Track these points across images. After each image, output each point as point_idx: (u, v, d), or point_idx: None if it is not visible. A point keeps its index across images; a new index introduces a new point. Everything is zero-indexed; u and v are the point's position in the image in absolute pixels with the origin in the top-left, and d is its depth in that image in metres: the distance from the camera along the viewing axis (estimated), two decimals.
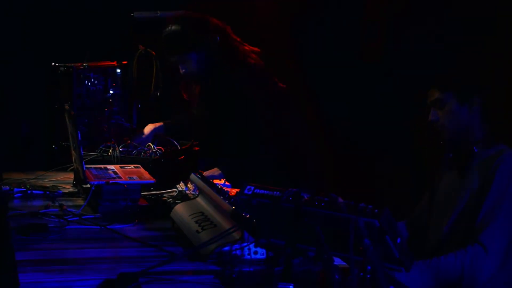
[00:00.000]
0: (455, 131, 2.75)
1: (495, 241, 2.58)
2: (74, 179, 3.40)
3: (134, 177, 3.16)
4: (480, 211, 2.62)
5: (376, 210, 1.93)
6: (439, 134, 2.79)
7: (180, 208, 2.86)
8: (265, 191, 2.19)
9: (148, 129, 3.88)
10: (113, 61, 4.17)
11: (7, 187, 3.22)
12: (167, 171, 3.47)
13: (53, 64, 3.87)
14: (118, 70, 4.15)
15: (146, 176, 3.20)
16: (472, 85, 2.75)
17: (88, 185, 3.05)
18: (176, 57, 3.63)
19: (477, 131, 2.75)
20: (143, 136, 3.85)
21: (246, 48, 3.66)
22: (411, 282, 2.50)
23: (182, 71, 3.65)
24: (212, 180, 2.97)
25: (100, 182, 3.04)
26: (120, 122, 4.07)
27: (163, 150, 3.69)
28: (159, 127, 3.91)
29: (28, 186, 3.26)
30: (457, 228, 2.71)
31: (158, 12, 4.14)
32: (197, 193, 2.95)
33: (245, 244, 2.39)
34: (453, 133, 2.76)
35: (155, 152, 3.68)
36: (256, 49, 3.68)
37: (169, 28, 3.57)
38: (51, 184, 3.40)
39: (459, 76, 2.75)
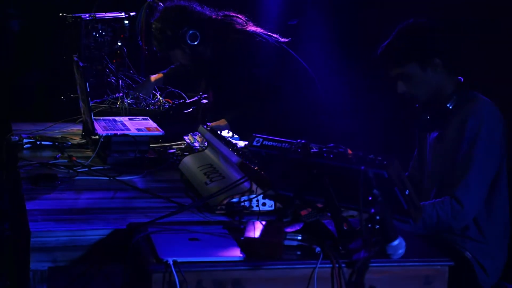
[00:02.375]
0: (426, 94, 2.77)
1: (470, 193, 2.61)
2: (83, 131, 3.41)
3: (143, 129, 3.17)
4: (454, 163, 2.65)
5: (385, 162, 1.93)
6: (412, 102, 2.80)
7: (188, 160, 2.87)
8: (274, 143, 2.19)
9: (149, 80, 3.91)
10: (121, 12, 4.14)
11: (17, 138, 3.22)
12: (175, 123, 3.48)
13: (60, 14, 3.84)
14: (126, 22, 4.12)
15: (155, 128, 3.21)
16: (429, 50, 2.73)
17: (97, 137, 3.06)
18: (163, 52, 3.71)
19: (447, 87, 2.76)
20: (145, 86, 3.87)
21: (234, 18, 3.67)
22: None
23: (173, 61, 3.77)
24: (220, 131, 2.98)
25: (109, 134, 3.04)
26: (128, 74, 4.06)
27: (171, 103, 3.69)
28: (159, 78, 3.93)
29: (37, 137, 3.27)
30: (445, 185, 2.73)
31: None
32: (206, 145, 2.96)
33: (254, 195, 2.40)
34: (425, 97, 2.77)
35: (163, 105, 3.68)
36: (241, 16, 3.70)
37: (153, 27, 3.64)
38: (60, 136, 3.41)
39: (414, 45, 2.73)
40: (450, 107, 2.73)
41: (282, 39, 3.72)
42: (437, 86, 2.75)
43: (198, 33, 3.56)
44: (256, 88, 3.60)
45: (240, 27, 3.63)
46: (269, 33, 3.70)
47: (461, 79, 2.77)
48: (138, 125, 3.22)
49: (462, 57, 2.83)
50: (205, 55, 3.65)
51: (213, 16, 3.65)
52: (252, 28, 3.66)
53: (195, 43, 3.56)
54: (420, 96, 2.76)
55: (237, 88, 3.68)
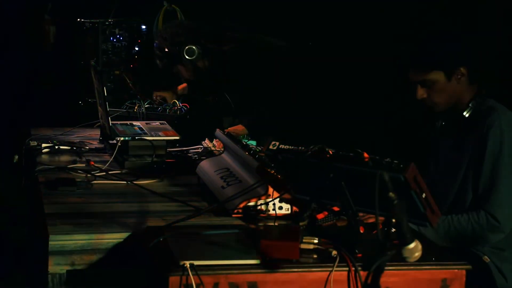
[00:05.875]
0: (446, 103, 2.75)
1: (504, 209, 2.60)
2: (101, 135, 3.43)
3: (160, 133, 3.18)
4: (479, 178, 2.63)
5: (401, 165, 1.92)
6: (430, 109, 2.79)
7: (205, 164, 2.88)
8: (290, 147, 2.19)
9: (175, 91, 3.96)
10: (138, 17, 4.17)
11: (35, 142, 3.25)
12: (192, 127, 3.50)
13: (78, 20, 3.87)
14: (143, 27, 4.15)
15: (172, 132, 3.22)
16: (457, 60, 2.70)
17: (115, 141, 3.07)
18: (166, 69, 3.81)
19: (466, 95, 2.74)
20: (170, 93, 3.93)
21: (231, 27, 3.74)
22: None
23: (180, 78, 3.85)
24: (237, 136, 2.99)
25: (126, 138, 3.06)
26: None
27: (188, 107, 3.71)
28: (184, 88, 3.99)
29: (55, 141, 3.29)
30: (462, 194, 2.72)
31: None
32: (223, 149, 2.97)
33: (270, 199, 2.40)
34: (444, 105, 2.75)
35: (181, 109, 3.70)
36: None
37: (155, 46, 3.73)
38: (78, 140, 3.43)
39: (442, 53, 2.70)
40: (467, 116, 2.72)
41: (279, 42, 3.76)
42: (458, 95, 2.73)
43: (195, 48, 3.61)
44: (259, 91, 3.64)
45: (236, 35, 3.68)
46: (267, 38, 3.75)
47: (479, 85, 2.76)
48: (155, 130, 3.23)
49: (484, 65, 2.81)
50: (207, 68, 3.71)
51: (209, 29, 3.70)
52: (249, 34, 3.71)
53: (194, 58, 3.62)
54: (440, 104, 2.75)
55: (243, 94, 3.72)
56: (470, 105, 2.72)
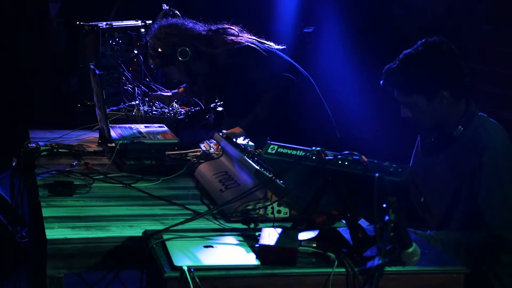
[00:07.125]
0: (431, 122, 2.75)
1: None
2: (99, 138, 3.43)
3: (159, 136, 3.18)
4: (478, 201, 2.63)
5: (399, 169, 1.93)
6: (416, 127, 2.79)
7: (204, 168, 2.88)
8: (289, 150, 2.19)
9: (173, 95, 3.96)
10: (137, 21, 4.17)
11: (34, 145, 3.25)
12: (191, 130, 3.49)
13: (77, 23, 3.87)
14: (143, 30, 4.15)
15: (170, 135, 3.22)
16: (436, 83, 2.70)
17: (113, 144, 3.07)
18: (158, 69, 3.85)
19: (455, 113, 2.73)
20: (167, 99, 3.91)
21: (227, 29, 3.73)
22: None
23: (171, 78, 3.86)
24: (235, 138, 2.98)
25: (125, 141, 3.06)
26: (144, 81, 4.08)
27: (187, 110, 3.71)
28: (181, 92, 3.99)
29: (54, 144, 3.29)
30: (452, 212, 2.71)
31: None
32: (221, 152, 2.96)
33: (269, 202, 2.40)
34: (430, 124, 2.76)
35: (179, 112, 3.69)
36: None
37: (148, 46, 3.74)
38: (76, 143, 3.43)
39: (421, 77, 2.70)
40: (457, 135, 2.72)
41: (275, 46, 3.76)
42: (443, 114, 2.73)
43: (189, 50, 3.62)
44: (254, 94, 3.64)
45: (232, 38, 3.68)
46: (262, 41, 3.76)
47: (467, 100, 2.74)
48: (154, 133, 3.23)
49: (469, 82, 2.78)
50: (200, 70, 3.71)
51: (205, 32, 3.70)
52: (245, 37, 3.70)
53: (187, 59, 3.63)
54: (425, 123, 2.76)
55: (238, 97, 3.72)
56: (460, 122, 2.71)
